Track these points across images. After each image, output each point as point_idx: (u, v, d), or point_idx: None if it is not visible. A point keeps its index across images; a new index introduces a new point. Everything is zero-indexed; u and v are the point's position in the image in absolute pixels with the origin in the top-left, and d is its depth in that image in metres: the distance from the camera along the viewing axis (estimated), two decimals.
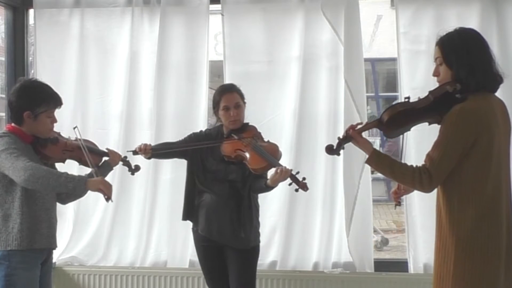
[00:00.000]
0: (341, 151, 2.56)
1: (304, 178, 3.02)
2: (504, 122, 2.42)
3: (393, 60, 4.08)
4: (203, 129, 3.51)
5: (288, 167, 3.06)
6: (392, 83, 10.56)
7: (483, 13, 3.80)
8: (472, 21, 3.78)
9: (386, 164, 2.43)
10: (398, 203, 2.77)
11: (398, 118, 2.43)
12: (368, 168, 3.89)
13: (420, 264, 3.88)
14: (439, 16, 3.84)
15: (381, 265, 3.99)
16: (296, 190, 3.05)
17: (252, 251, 3.28)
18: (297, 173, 3.04)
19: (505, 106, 2.46)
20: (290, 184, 3.05)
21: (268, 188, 3.15)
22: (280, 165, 3.05)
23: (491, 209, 2.32)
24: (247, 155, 3.14)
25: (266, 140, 3.29)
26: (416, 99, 2.45)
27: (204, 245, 3.32)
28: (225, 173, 3.23)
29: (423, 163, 2.36)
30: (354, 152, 3.41)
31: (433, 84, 2.53)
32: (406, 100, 2.47)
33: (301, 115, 3.93)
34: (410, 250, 3.91)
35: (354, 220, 3.80)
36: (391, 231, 8.97)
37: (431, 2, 3.86)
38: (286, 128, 3.97)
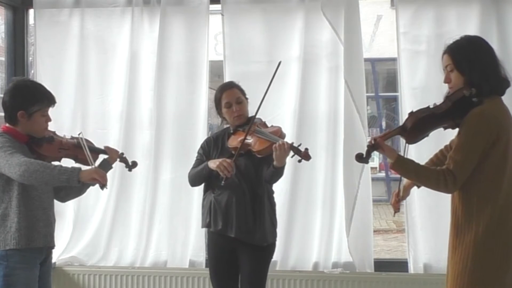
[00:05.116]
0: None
1: (306, 149, 2.97)
2: None
3: (393, 60, 4.08)
4: (210, 135, 3.42)
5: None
6: (392, 83, 10.58)
7: (483, 13, 3.80)
8: (472, 21, 3.79)
9: (410, 169, 2.51)
10: (398, 210, 2.81)
11: (420, 124, 2.50)
12: (368, 168, 3.90)
13: (420, 264, 3.88)
14: (439, 16, 3.85)
15: (381, 265, 3.99)
16: (299, 161, 2.98)
17: (267, 248, 3.25)
18: (299, 145, 2.98)
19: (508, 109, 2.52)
20: (292, 156, 3.00)
21: (277, 169, 3.07)
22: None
23: (508, 205, 2.40)
24: (252, 141, 3.11)
25: (270, 126, 3.28)
26: (434, 105, 2.51)
27: (217, 243, 3.27)
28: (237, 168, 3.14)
29: (446, 165, 2.42)
30: (354, 153, 3.39)
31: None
32: (427, 106, 2.52)
33: (301, 115, 3.93)
34: (410, 250, 3.92)
35: (354, 220, 3.80)
36: (391, 231, 8.98)
37: (431, 2, 3.87)
38: (286, 128, 3.92)
